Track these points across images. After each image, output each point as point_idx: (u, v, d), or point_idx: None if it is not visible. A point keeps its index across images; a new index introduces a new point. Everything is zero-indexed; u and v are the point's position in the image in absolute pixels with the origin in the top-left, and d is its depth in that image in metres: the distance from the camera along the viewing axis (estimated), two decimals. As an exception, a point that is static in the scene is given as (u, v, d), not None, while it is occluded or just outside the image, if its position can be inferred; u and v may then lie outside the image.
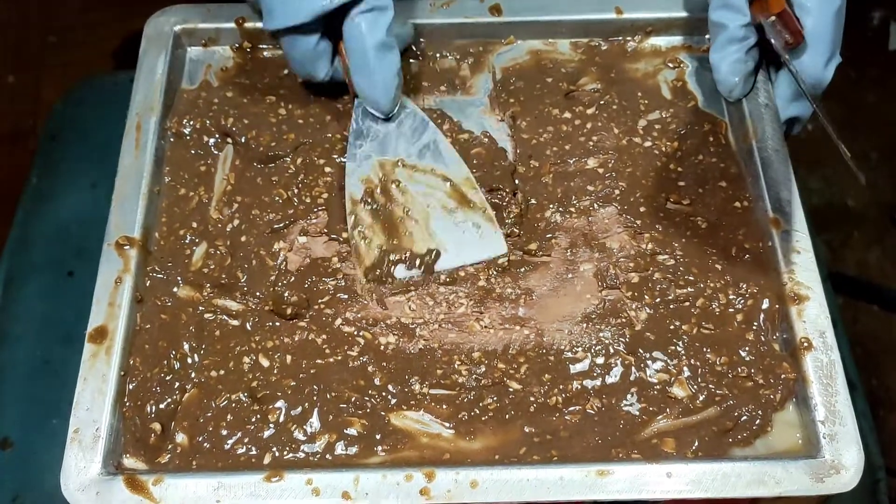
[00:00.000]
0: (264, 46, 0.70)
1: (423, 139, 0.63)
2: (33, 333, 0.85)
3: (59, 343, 0.84)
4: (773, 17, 0.59)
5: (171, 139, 0.65)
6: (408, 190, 0.62)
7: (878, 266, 1.27)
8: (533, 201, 0.63)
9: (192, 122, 0.65)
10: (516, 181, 0.63)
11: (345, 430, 0.54)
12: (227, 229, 0.61)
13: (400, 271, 0.59)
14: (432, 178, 0.62)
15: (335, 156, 0.64)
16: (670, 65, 0.69)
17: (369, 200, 0.61)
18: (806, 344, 0.55)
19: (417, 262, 0.60)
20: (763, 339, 0.57)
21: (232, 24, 0.69)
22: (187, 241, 0.61)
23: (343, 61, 0.62)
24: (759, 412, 0.54)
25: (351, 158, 0.63)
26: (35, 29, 1.29)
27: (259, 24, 0.69)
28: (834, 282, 0.90)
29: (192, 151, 0.64)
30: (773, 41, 0.60)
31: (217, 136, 0.65)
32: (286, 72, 0.68)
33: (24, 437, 0.79)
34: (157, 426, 0.54)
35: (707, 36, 0.69)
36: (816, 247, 0.60)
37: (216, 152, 0.65)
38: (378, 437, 0.54)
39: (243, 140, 0.65)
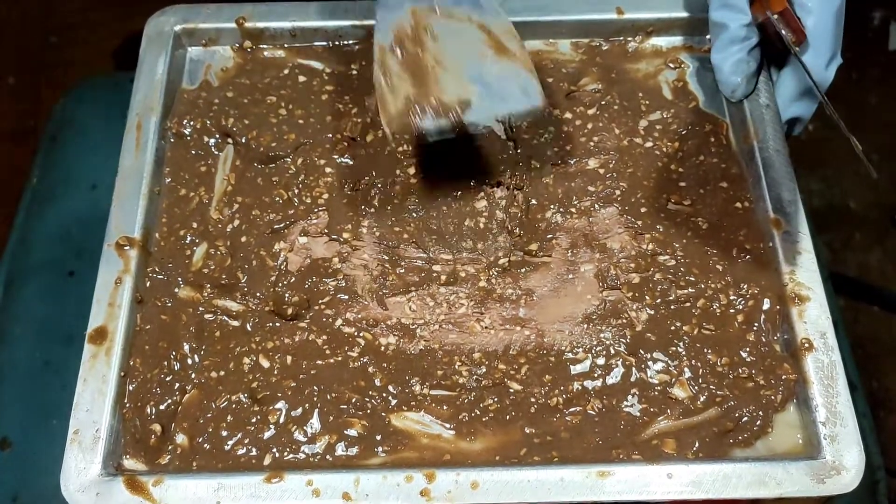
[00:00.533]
0: (265, 46, 0.70)
1: None
2: (33, 334, 0.85)
3: (60, 343, 0.84)
4: (775, 16, 0.59)
5: (172, 139, 0.65)
6: (441, 37, 0.58)
7: (878, 267, 1.27)
8: (534, 202, 0.62)
9: (192, 123, 0.65)
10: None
11: (345, 431, 0.54)
12: (228, 230, 0.61)
13: (428, 122, 0.55)
14: (469, 26, 0.59)
15: (335, 156, 0.64)
16: (671, 65, 0.69)
17: (399, 48, 0.57)
18: (807, 345, 0.55)
19: (446, 111, 0.55)
20: (764, 339, 0.57)
21: (232, 24, 0.69)
22: (187, 242, 0.61)
23: None
24: (760, 413, 0.54)
25: (382, 5, 0.59)
26: (35, 29, 1.29)
27: (260, 24, 0.69)
28: (835, 283, 0.90)
29: (193, 152, 0.64)
30: (782, 32, 0.59)
31: (217, 136, 0.65)
32: (286, 72, 0.68)
33: (23, 437, 0.79)
34: (157, 427, 0.54)
35: (708, 36, 0.69)
36: (817, 248, 0.60)
37: (216, 153, 0.65)
38: (378, 437, 0.54)
39: (244, 140, 0.65)
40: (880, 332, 1.22)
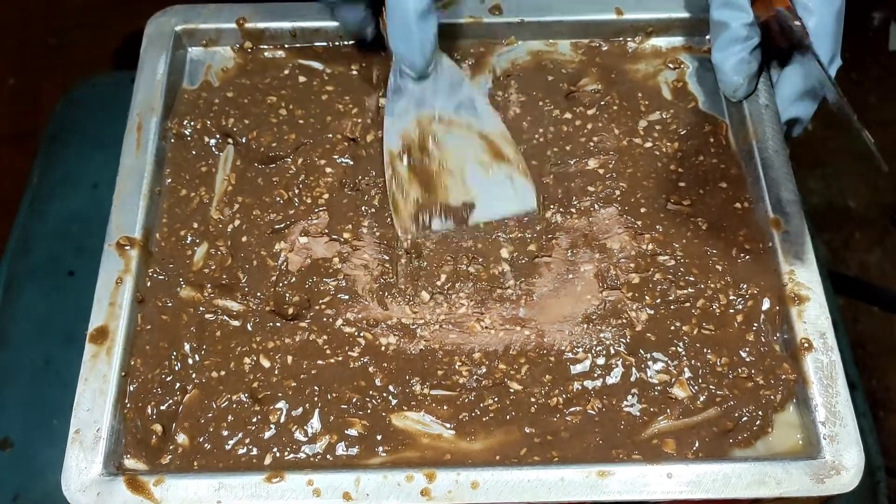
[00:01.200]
0: (265, 47, 0.70)
1: (460, 95, 0.64)
2: (34, 334, 0.85)
3: (60, 343, 0.84)
4: (783, 9, 0.59)
5: (172, 140, 0.65)
6: (444, 144, 0.63)
7: (878, 267, 1.27)
8: (533, 202, 0.63)
9: (192, 123, 0.65)
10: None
11: (346, 431, 0.54)
12: (228, 230, 0.61)
13: (436, 224, 0.61)
14: (468, 133, 0.63)
15: (336, 156, 0.64)
16: (671, 65, 0.69)
17: (407, 155, 0.63)
18: (806, 345, 0.55)
19: (452, 214, 0.62)
20: (763, 339, 0.57)
21: (233, 25, 0.69)
22: (188, 242, 0.61)
23: (384, 25, 0.62)
24: (760, 413, 0.54)
25: (389, 113, 0.64)
26: (35, 30, 1.29)
27: (260, 25, 0.69)
28: (835, 283, 0.90)
29: (193, 152, 0.64)
30: (794, 24, 0.58)
31: (218, 136, 0.65)
32: (287, 72, 0.68)
33: (24, 437, 0.79)
34: (157, 427, 0.54)
35: (707, 37, 0.69)
36: (816, 247, 0.60)
37: (217, 153, 0.65)
38: (379, 437, 0.54)
39: (244, 140, 0.65)
40: (880, 332, 1.22)
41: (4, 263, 0.90)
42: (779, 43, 0.61)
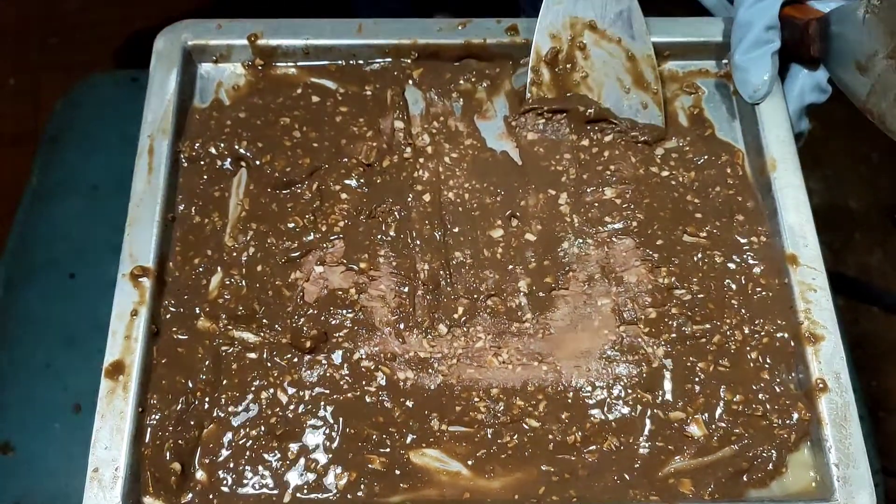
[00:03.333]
0: (279, 64, 0.69)
1: (620, 4, 0.65)
2: (34, 336, 0.84)
3: (61, 345, 0.84)
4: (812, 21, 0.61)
5: (185, 164, 0.64)
6: (590, 56, 0.65)
7: (879, 268, 1.27)
8: (550, 232, 0.62)
9: (204, 147, 0.64)
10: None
11: (364, 468, 0.55)
12: (243, 258, 0.61)
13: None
14: (616, 49, 0.65)
15: (351, 181, 0.64)
16: (687, 90, 0.68)
17: (553, 61, 0.65)
18: (822, 385, 0.55)
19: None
20: (779, 378, 0.57)
21: (244, 41, 0.68)
22: (202, 271, 0.60)
23: None
24: (774, 452, 0.55)
25: (546, 6, 0.65)
26: (35, 30, 1.27)
27: (272, 42, 0.67)
28: (835, 283, 0.90)
29: (206, 177, 0.64)
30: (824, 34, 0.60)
31: (230, 159, 0.64)
32: (299, 91, 0.67)
33: (25, 441, 0.79)
34: (176, 466, 0.54)
35: (724, 60, 0.69)
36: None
37: (230, 176, 0.64)
38: (398, 474, 0.54)
39: (258, 163, 0.64)
40: (880, 332, 1.23)
41: (4, 264, 0.89)
42: (798, 50, 0.63)
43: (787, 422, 0.56)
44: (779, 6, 0.62)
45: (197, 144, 0.64)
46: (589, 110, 0.65)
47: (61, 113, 0.96)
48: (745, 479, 0.55)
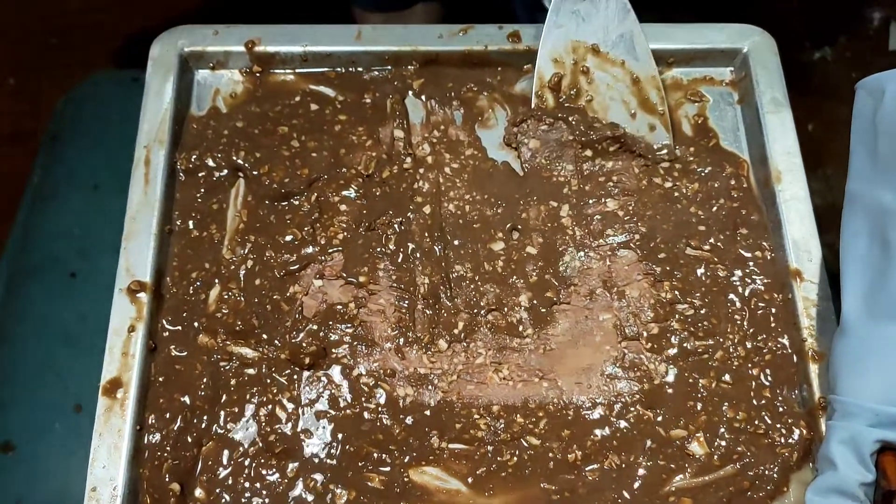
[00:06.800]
0: (277, 71, 0.68)
1: (622, 27, 0.64)
2: (35, 335, 0.84)
3: (61, 344, 0.84)
4: None
5: (181, 175, 0.63)
6: (594, 80, 0.64)
7: (879, 268, 1.26)
8: (551, 244, 0.61)
9: (202, 158, 0.63)
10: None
11: (364, 486, 0.54)
12: (241, 272, 0.60)
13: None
14: (620, 72, 0.65)
15: (350, 192, 0.63)
16: (691, 98, 0.67)
17: (556, 87, 0.65)
18: (824, 404, 0.55)
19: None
20: (781, 396, 0.57)
21: (241, 48, 0.67)
22: (200, 285, 0.59)
23: None
24: (777, 471, 0.54)
25: (547, 31, 0.64)
26: (35, 30, 1.26)
27: (270, 49, 0.66)
28: (835, 283, 0.89)
29: (203, 189, 0.63)
30: None
31: (227, 170, 0.63)
32: (298, 99, 0.66)
33: (26, 440, 0.79)
34: (175, 487, 0.53)
35: (731, 68, 0.68)
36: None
37: (227, 187, 0.63)
38: (397, 492, 0.54)
39: (255, 174, 0.63)
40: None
41: (5, 263, 0.89)
42: None
43: (790, 440, 0.55)
44: (874, 463, 0.48)
45: (194, 156, 0.63)
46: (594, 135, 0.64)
47: (62, 112, 0.96)
48: (747, 497, 0.54)
